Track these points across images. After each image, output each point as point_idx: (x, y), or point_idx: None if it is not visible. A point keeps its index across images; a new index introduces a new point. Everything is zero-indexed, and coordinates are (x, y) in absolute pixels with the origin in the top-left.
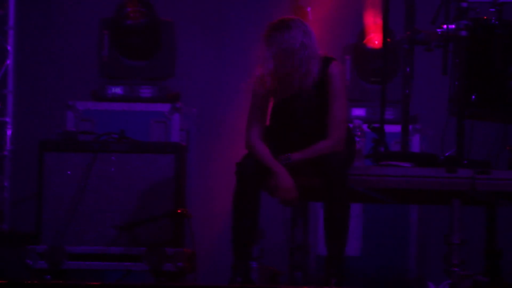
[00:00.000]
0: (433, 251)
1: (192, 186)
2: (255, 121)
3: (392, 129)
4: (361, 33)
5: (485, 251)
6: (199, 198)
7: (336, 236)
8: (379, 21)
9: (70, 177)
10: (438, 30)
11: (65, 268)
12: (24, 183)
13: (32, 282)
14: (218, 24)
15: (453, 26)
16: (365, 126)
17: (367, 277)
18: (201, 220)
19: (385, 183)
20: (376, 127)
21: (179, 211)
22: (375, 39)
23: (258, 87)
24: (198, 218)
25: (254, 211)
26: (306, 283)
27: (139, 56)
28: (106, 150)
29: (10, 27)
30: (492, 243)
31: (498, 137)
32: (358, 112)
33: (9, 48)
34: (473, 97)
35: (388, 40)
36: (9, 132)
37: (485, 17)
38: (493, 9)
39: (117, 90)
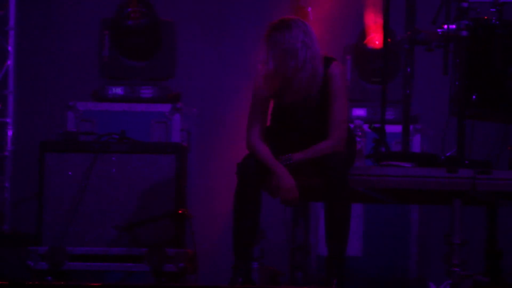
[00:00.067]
0: (434, 251)
1: (192, 187)
2: (256, 122)
3: (393, 129)
4: (362, 33)
5: (485, 251)
6: (200, 199)
7: (337, 236)
8: (380, 21)
9: (71, 177)
10: (439, 30)
11: (66, 269)
12: (25, 183)
13: (33, 283)
14: (218, 24)
15: (454, 26)
16: (365, 126)
17: (368, 277)
18: (201, 221)
19: (385, 183)
20: (377, 127)
21: (180, 211)
22: (375, 39)
23: (259, 88)
24: (199, 219)
25: (255, 211)
26: (307, 284)
27: (140, 57)
28: (106, 151)
29: (11, 27)
30: (492, 243)
31: (499, 137)
32: (359, 112)
33: (9, 48)
34: (474, 97)
35: (389, 40)
36: (9, 133)
37: (485, 17)
38: (494, 9)
39: (118, 90)
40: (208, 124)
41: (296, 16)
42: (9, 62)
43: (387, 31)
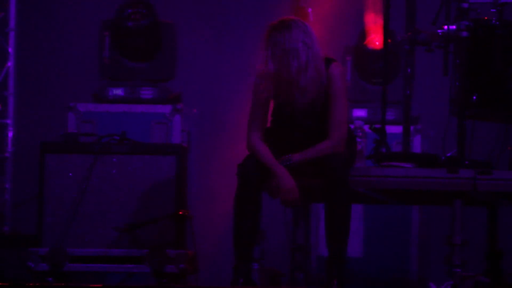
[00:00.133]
0: (435, 252)
1: (193, 187)
2: (256, 122)
3: (393, 129)
4: (362, 34)
5: (486, 252)
6: (200, 199)
7: (337, 237)
8: (380, 22)
9: (71, 178)
10: (439, 30)
11: (67, 270)
12: (25, 185)
13: (33, 285)
14: (219, 25)
15: (454, 26)
16: (366, 127)
17: (368, 278)
18: (202, 221)
19: (386, 184)
20: (377, 128)
21: (180, 212)
22: (376, 40)
23: (259, 88)
24: (199, 219)
25: (256, 212)
26: (307, 284)
27: (140, 58)
28: (107, 152)
29: (11, 29)
30: (493, 243)
31: (499, 138)
32: (359, 113)
33: (10, 50)
34: (474, 97)
35: (389, 40)
36: (10, 134)
37: (485, 18)
38: (494, 10)
39: (118, 91)
40: (209, 125)
41: (296, 16)
42: (10, 64)
43: (387, 31)
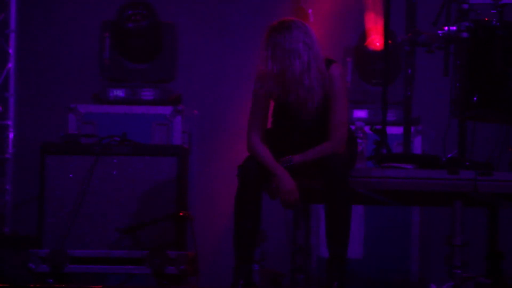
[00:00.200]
0: (435, 253)
1: (194, 189)
2: (256, 124)
3: (394, 130)
4: (363, 35)
5: (487, 253)
6: (201, 201)
7: (337, 238)
8: (380, 23)
9: (72, 180)
10: (439, 31)
11: (67, 272)
12: (26, 186)
13: (34, 286)
14: (219, 27)
15: (454, 27)
16: (367, 128)
17: (369, 280)
18: (203, 223)
19: (387, 185)
20: (378, 129)
21: (181, 213)
22: (376, 41)
23: (259, 89)
24: (200, 221)
25: (256, 213)
26: (308, 286)
27: (141, 59)
28: (107, 153)
29: (12, 30)
30: (494, 244)
31: (500, 139)
32: (360, 114)
33: (10, 51)
34: (475, 98)
35: (390, 41)
36: (11, 135)
37: (486, 19)
38: (494, 11)
39: (119, 92)
40: (209, 126)
41: (297, 17)
42: (10, 65)
43: (388, 32)
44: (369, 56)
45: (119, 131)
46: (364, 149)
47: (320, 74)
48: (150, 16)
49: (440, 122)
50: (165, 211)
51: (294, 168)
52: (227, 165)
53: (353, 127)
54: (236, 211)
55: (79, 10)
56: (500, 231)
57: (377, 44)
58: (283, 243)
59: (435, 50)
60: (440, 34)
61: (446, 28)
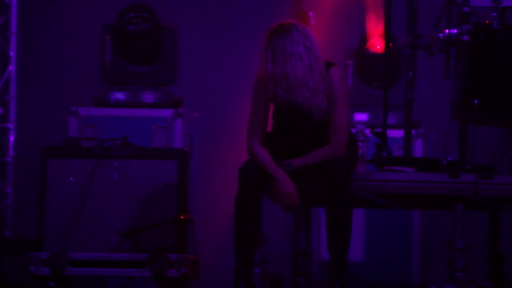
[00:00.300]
0: (436, 256)
1: (194, 192)
2: (256, 127)
3: (395, 134)
4: (363, 38)
5: (488, 256)
6: (202, 204)
7: (338, 241)
8: (381, 26)
9: (73, 183)
10: (440, 34)
11: (68, 275)
12: (27, 189)
13: None
14: (220, 30)
15: (455, 30)
16: (367, 131)
17: (370, 283)
18: (203, 226)
19: (387, 188)
20: (379, 132)
21: (182, 217)
22: (377, 43)
23: (259, 92)
24: (201, 224)
25: (257, 216)
26: None
27: (142, 62)
28: (108, 156)
29: (12, 33)
30: (495, 248)
31: (501, 142)
32: (361, 117)
33: (11, 54)
34: (476, 101)
35: (390, 44)
36: (11, 138)
37: (487, 22)
38: (495, 14)
39: (120, 95)
40: (210, 129)
41: (297, 20)
42: (11, 68)
43: (389, 35)
44: (370, 59)
45: (120, 134)
46: (365, 152)
47: (322, 77)
48: (150, 19)
49: (441, 125)
50: (165, 214)
51: (294, 171)
52: (228, 168)
53: (353, 130)
54: (237, 214)
55: (80, 13)
56: (501, 234)
57: (378, 47)
58: (284, 246)
59: (436, 53)
60: (441, 37)
61: (447, 31)
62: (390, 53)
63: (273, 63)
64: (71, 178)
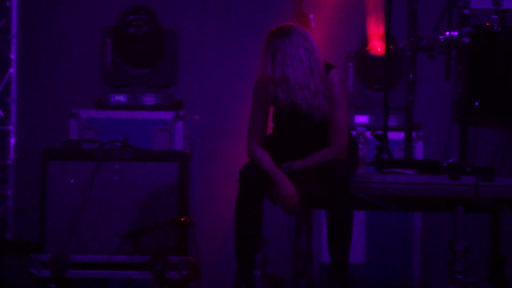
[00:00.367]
0: (437, 258)
1: (195, 194)
2: (256, 129)
3: (395, 136)
4: (364, 40)
5: (488, 258)
6: (203, 206)
7: (339, 243)
8: (382, 28)
9: (74, 185)
10: (441, 37)
11: (69, 277)
12: (28, 191)
13: None
14: (221, 32)
15: (456, 33)
16: (368, 133)
17: (371, 285)
18: (204, 228)
19: (388, 190)
20: (379, 134)
21: (182, 219)
22: (378, 46)
23: (259, 95)
24: (202, 226)
25: (257, 219)
26: None
27: (142, 64)
28: (109, 159)
29: (13, 35)
30: (495, 250)
31: (502, 144)
32: (361, 119)
33: (12, 56)
34: (476, 103)
35: (391, 47)
36: (12, 141)
37: (487, 24)
38: (496, 16)
39: (120, 98)
40: (211, 131)
41: (298, 22)
42: (12, 70)
43: (389, 38)
44: (371, 61)
45: (121, 136)
46: (366, 154)
47: (321, 79)
48: (151, 21)
49: (441, 127)
50: (166, 217)
51: (295, 174)
52: (229, 170)
53: (354, 133)
54: (237, 217)
55: (81, 15)
56: (502, 236)
57: (379, 49)
58: (285, 248)
59: (436, 56)
60: (442, 40)
61: (447, 33)
62: (391, 56)
63: (273, 65)
64: (72, 181)
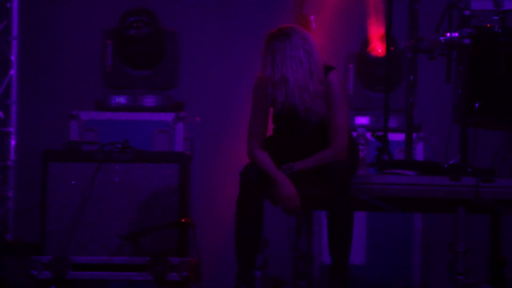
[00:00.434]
0: (438, 259)
1: (196, 195)
2: (256, 130)
3: (396, 137)
4: (365, 41)
5: (489, 259)
6: (203, 207)
7: (340, 244)
8: (382, 30)
9: (74, 187)
10: (442, 38)
11: (70, 278)
12: (28, 193)
13: None
14: (221, 33)
15: (456, 34)
16: (368, 135)
17: (371, 286)
18: (205, 229)
19: (388, 191)
20: (380, 136)
21: (183, 220)
22: (378, 47)
23: (259, 95)
24: (202, 227)
25: (258, 220)
26: None
27: (143, 66)
28: (109, 160)
29: (14, 37)
30: (496, 251)
31: (502, 145)
32: (362, 120)
33: (12, 58)
34: (477, 105)
35: (392, 48)
36: (13, 142)
37: (488, 25)
38: (496, 17)
39: (121, 99)
40: (211, 132)
41: (298, 24)
42: (12, 72)
43: (390, 39)
44: (371, 63)
45: (121, 138)
46: (366, 155)
47: (320, 81)
48: (152, 23)
49: (442, 128)
50: (167, 218)
51: (295, 175)
52: (229, 172)
53: (354, 134)
54: (238, 218)
55: (81, 17)
56: (503, 238)
57: (379, 50)
58: (285, 249)
59: (437, 57)
60: (442, 41)
61: (448, 34)
62: (391, 57)
63: (273, 67)
64: (72, 182)
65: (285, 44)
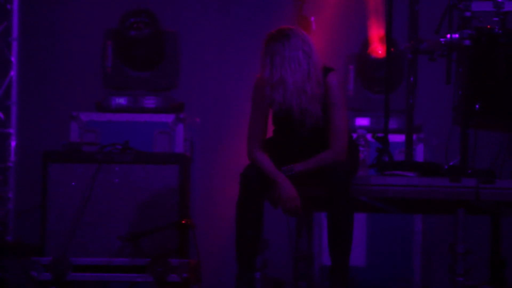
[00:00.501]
0: (438, 260)
1: (196, 196)
2: (256, 131)
3: (396, 138)
4: (365, 42)
5: (489, 261)
6: (203, 208)
7: (340, 246)
8: (383, 31)
9: (74, 188)
10: (442, 39)
11: (70, 280)
12: (28, 194)
13: None
14: (221, 33)
15: (457, 35)
16: (369, 136)
17: (371, 287)
18: (205, 230)
19: (389, 192)
20: (380, 137)
21: (183, 221)
22: (378, 48)
23: (258, 97)
24: (202, 228)
25: (258, 221)
26: None
27: (143, 67)
28: (110, 161)
29: (14, 38)
30: (496, 252)
31: (502, 146)
32: (362, 121)
33: (12, 59)
34: (477, 106)
35: (392, 49)
36: (13, 144)
37: (488, 26)
38: (497, 18)
39: (121, 100)
40: (211, 133)
41: (299, 25)
42: (12, 73)
43: (390, 40)
44: (371, 64)
45: (121, 139)
46: (366, 157)
47: (318, 82)
48: (152, 24)
49: (442, 129)
50: (167, 219)
51: (295, 176)
52: (229, 173)
53: (355, 135)
54: (238, 219)
55: (82, 18)
56: (503, 239)
57: (379, 51)
58: (286, 251)
59: (437, 58)
60: (443, 42)
61: (448, 35)
62: (392, 58)
63: (271, 68)
64: (73, 183)
65: (284, 46)
